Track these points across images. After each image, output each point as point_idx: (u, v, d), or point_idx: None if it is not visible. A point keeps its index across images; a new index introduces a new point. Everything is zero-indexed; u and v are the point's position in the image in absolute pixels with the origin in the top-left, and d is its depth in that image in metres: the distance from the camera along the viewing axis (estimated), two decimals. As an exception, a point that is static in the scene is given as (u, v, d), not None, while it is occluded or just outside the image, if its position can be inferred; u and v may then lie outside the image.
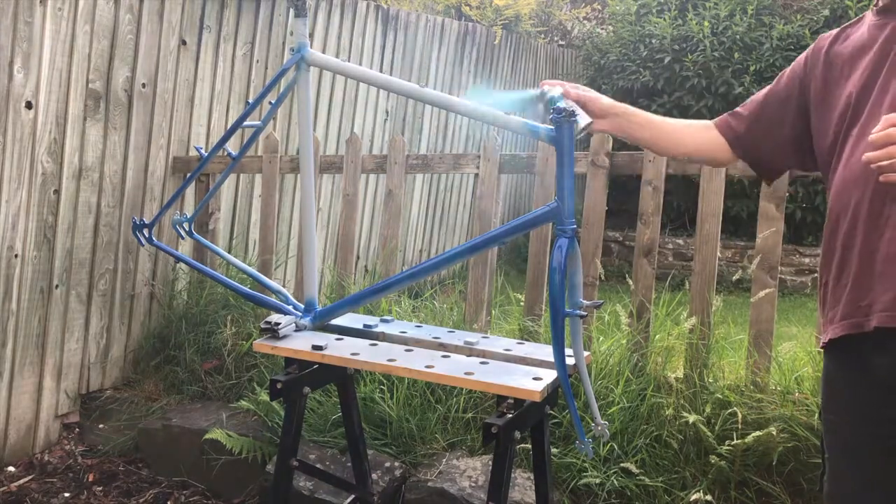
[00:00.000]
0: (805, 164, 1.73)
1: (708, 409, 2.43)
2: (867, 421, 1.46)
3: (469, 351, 1.86)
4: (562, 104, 1.58)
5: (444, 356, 1.82)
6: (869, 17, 1.61)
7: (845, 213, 1.48)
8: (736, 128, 1.75)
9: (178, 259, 2.69)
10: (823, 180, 1.65)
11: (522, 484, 2.41)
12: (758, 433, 2.29)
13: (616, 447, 2.42)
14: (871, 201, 1.43)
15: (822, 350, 1.57)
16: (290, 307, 2.06)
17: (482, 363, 1.77)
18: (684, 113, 6.81)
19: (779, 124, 1.70)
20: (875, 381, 1.44)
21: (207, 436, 2.79)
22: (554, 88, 1.65)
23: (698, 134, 1.79)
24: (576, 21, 9.00)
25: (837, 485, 1.52)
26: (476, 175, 3.10)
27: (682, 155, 1.89)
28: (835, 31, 1.67)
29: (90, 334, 3.36)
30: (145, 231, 2.38)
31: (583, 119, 1.57)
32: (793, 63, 1.72)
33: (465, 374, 1.69)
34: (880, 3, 1.57)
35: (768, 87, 1.74)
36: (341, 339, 1.94)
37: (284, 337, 1.93)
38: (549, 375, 1.68)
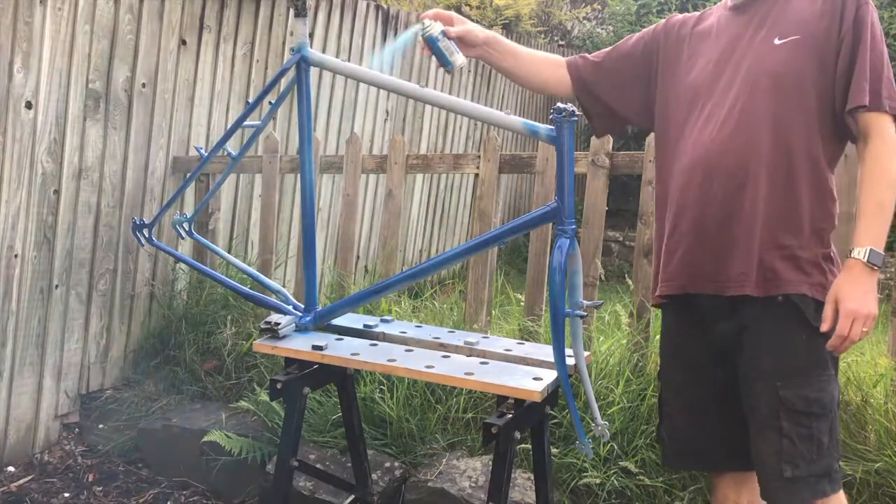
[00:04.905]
0: (641, 123, 1.93)
1: (708, 410, 2.42)
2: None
3: (469, 351, 1.86)
4: (440, 45, 1.71)
5: (444, 356, 1.82)
6: (720, 9, 1.80)
7: (688, 189, 1.69)
8: (583, 72, 1.92)
9: (178, 259, 2.69)
10: (657, 144, 1.85)
11: (522, 484, 2.41)
12: (758, 433, 2.28)
13: (616, 447, 2.42)
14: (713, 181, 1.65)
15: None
16: (290, 307, 2.05)
17: (482, 363, 1.77)
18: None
19: (626, 82, 1.89)
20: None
21: (206, 438, 2.79)
22: (434, 25, 1.74)
23: (551, 69, 1.95)
24: (576, 21, 9.00)
25: (675, 429, 1.83)
26: (476, 175, 3.10)
27: (537, 86, 2.05)
28: (691, 16, 1.87)
29: (90, 334, 3.36)
30: (145, 231, 2.38)
31: (460, 60, 1.74)
32: (644, 31, 1.92)
33: (466, 374, 1.69)
34: (730, 3, 1.77)
35: (619, 44, 1.93)
36: (341, 339, 1.93)
37: (284, 337, 1.93)
38: (550, 375, 1.68)
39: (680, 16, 1.89)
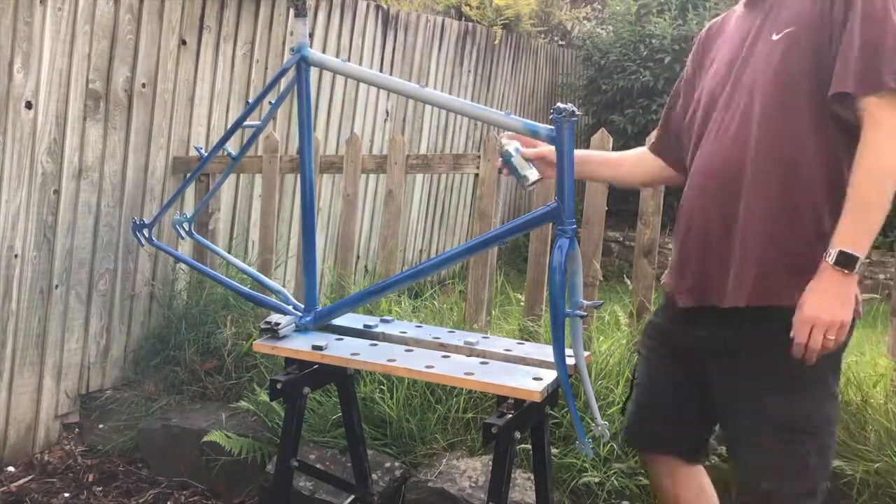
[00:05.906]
0: None
1: (708, 410, 2.42)
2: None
3: (469, 351, 1.86)
4: (513, 161, 1.70)
5: (444, 356, 1.82)
6: (739, 6, 1.73)
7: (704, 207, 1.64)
8: (662, 146, 1.89)
9: (178, 259, 2.69)
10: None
11: (522, 484, 2.41)
12: (758, 433, 2.28)
13: (616, 447, 2.42)
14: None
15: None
16: (290, 307, 2.05)
17: (482, 363, 1.77)
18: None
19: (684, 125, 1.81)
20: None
21: (206, 438, 2.79)
22: (510, 143, 1.74)
23: (647, 162, 1.92)
24: (576, 21, 9.00)
25: (642, 409, 1.84)
26: (476, 175, 3.10)
27: (640, 183, 2.11)
28: (722, 16, 1.80)
29: (90, 334, 3.36)
30: (145, 231, 2.38)
31: (532, 175, 1.70)
32: (691, 53, 1.85)
33: (466, 374, 1.69)
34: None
35: (673, 91, 1.88)
36: (341, 339, 1.93)
37: (284, 337, 1.93)
38: (550, 375, 1.68)
39: (717, 19, 1.82)
